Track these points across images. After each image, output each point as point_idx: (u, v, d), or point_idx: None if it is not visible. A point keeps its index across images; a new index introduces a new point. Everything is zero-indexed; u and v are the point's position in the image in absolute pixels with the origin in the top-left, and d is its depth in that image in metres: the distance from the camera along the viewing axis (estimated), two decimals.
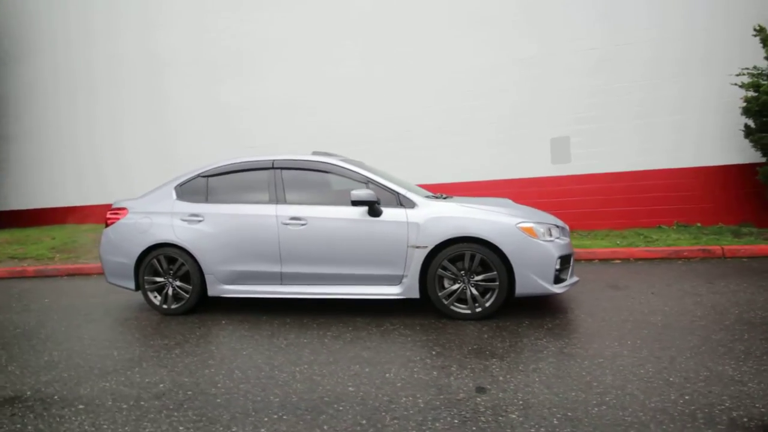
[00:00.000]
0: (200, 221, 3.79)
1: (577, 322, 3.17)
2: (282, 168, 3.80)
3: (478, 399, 2.12)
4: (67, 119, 10.21)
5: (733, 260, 5.04)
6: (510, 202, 3.96)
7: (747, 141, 6.19)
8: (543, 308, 3.52)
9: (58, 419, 2.14)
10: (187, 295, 3.79)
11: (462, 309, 3.31)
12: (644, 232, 6.47)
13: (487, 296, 3.28)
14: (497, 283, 3.23)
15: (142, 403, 2.26)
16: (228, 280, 3.73)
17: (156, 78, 9.45)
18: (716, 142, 6.68)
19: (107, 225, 4.13)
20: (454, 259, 3.30)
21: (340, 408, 2.10)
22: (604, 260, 5.45)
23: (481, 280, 3.27)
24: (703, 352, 2.53)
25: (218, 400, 2.24)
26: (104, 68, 9.82)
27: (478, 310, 3.27)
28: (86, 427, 2.05)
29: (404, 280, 3.39)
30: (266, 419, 2.03)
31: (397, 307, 3.70)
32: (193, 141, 9.14)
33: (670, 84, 6.81)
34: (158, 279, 3.86)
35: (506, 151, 7.51)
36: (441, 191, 4.41)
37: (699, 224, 6.62)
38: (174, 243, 3.79)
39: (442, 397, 2.16)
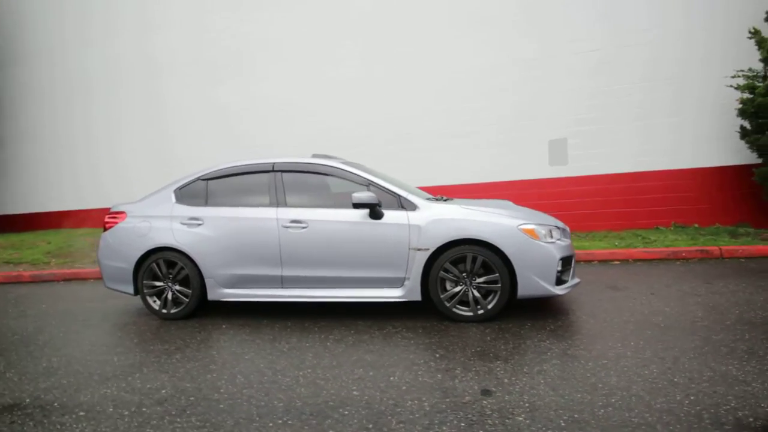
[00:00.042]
0: (200, 225, 3.76)
1: (579, 323, 3.18)
2: (282, 171, 3.79)
3: (484, 402, 2.11)
4: (63, 121, 10.14)
5: (731, 260, 5.07)
6: (511, 204, 3.97)
7: (743, 142, 6.24)
8: (544, 310, 3.52)
9: (58, 427, 2.11)
10: (187, 300, 3.76)
11: (464, 311, 3.31)
12: (642, 233, 6.50)
13: (489, 298, 3.28)
14: (499, 285, 3.23)
15: (144, 409, 2.23)
16: (228, 284, 3.70)
17: (154, 79, 9.41)
18: (713, 143, 6.74)
19: (105, 229, 4.09)
20: (456, 262, 3.30)
21: (346, 412, 2.08)
22: (603, 261, 5.46)
23: (483, 282, 3.27)
24: (706, 353, 2.54)
25: (221, 406, 2.22)
26: (101, 70, 9.77)
27: (480, 312, 3.27)
28: None
29: (406, 283, 3.38)
30: (271, 424, 2.01)
31: (399, 310, 3.69)
32: (191, 143, 9.10)
33: (667, 86, 6.86)
34: (157, 283, 3.83)
35: (506, 153, 7.54)
36: (441, 193, 4.41)
37: (696, 225, 6.67)
38: (173, 247, 3.76)
39: (447, 400, 2.15)
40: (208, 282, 3.72)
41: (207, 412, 2.16)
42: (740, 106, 6.09)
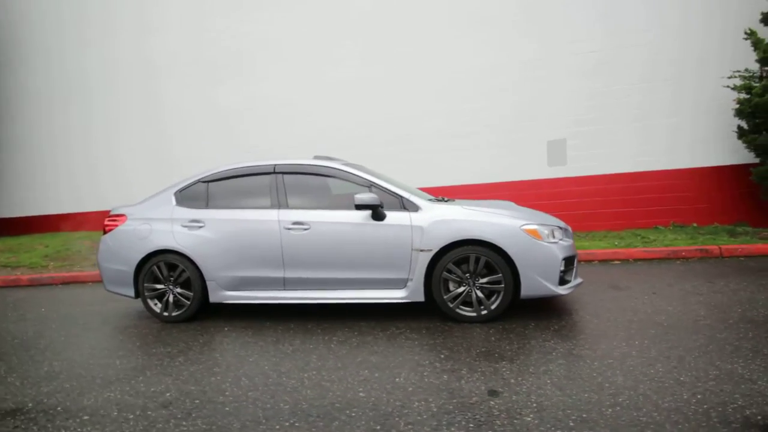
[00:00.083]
0: (201, 227, 3.74)
1: (583, 323, 3.18)
2: (283, 173, 3.78)
3: (492, 402, 2.10)
4: (61, 123, 10.08)
5: (731, 259, 5.09)
6: (513, 204, 3.97)
7: (740, 142, 6.28)
8: (547, 310, 3.53)
9: (63, 431, 2.09)
10: (188, 302, 3.74)
11: (467, 312, 3.30)
12: (641, 233, 6.52)
13: (493, 299, 3.28)
14: (502, 286, 3.23)
15: (149, 412, 2.21)
16: (230, 286, 3.68)
17: (152, 80, 9.38)
18: (710, 143, 6.78)
19: (105, 232, 4.06)
20: (459, 262, 3.30)
21: (353, 414, 2.07)
22: (604, 261, 5.48)
23: (486, 283, 3.27)
24: (711, 351, 2.54)
25: (227, 408, 2.20)
26: (99, 71, 9.72)
27: (484, 312, 3.27)
28: None
29: (409, 284, 3.37)
30: (278, 427, 2.00)
31: (402, 311, 3.68)
32: (190, 144, 9.07)
33: (665, 86, 6.91)
34: (158, 286, 3.80)
35: (506, 154, 7.56)
36: (441, 194, 4.42)
37: (695, 224, 6.70)
38: (174, 249, 3.74)
39: (454, 401, 2.14)
40: (209, 284, 3.70)
41: (213, 415, 2.14)
42: (737, 106, 6.13)
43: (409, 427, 1.93)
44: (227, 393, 2.37)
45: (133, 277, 3.84)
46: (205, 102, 9.02)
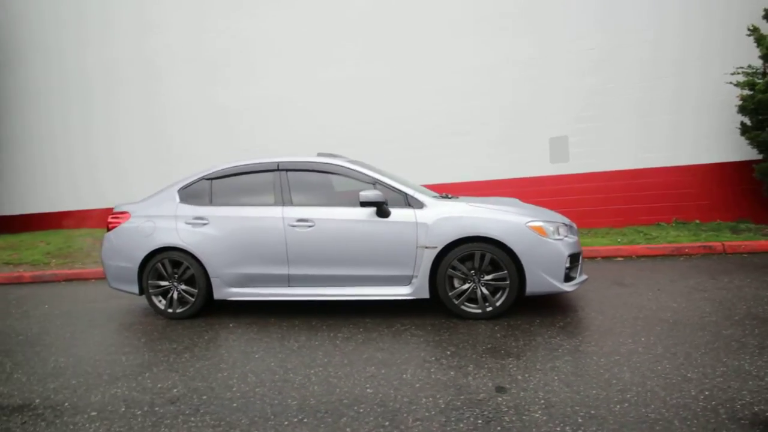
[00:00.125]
0: (205, 224, 3.74)
1: (589, 319, 3.18)
2: (287, 170, 3.77)
3: (500, 399, 2.11)
4: (61, 121, 10.05)
5: (734, 256, 5.10)
6: (518, 201, 3.97)
7: (743, 139, 6.27)
8: (552, 306, 3.53)
9: (71, 427, 2.09)
10: (193, 299, 3.74)
11: (472, 308, 3.30)
12: (644, 230, 6.52)
13: (498, 295, 3.28)
14: (508, 282, 3.23)
15: (157, 408, 2.21)
16: (234, 283, 3.68)
17: (152, 78, 9.34)
18: (713, 140, 6.77)
19: (109, 229, 4.06)
20: (464, 259, 3.30)
21: (361, 410, 2.08)
22: (607, 258, 5.48)
23: (491, 280, 3.27)
24: (717, 348, 2.54)
25: (235, 405, 2.21)
26: (99, 68, 9.67)
27: (489, 309, 3.27)
28: None
29: (414, 281, 3.37)
30: (286, 423, 2.00)
31: (406, 308, 3.68)
32: (190, 142, 9.04)
33: (668, 83, 6.89)
34: (163, 283, 3.80)
35: (506, 152, 7.54)
36: (442, 191, 4.41)
37: (697, 221, 6.70)
38: (179, 246, 3.73)
39: (462, 397, 2.14)
40: (214, 281, 3.70)
41: (221, 411, 2.15)
42: (740, 102, 6.12)
43: (418, 423, 1.94)
44: (234, 389, 2.38)
45: (138, 274, 3.84)
46: (204, 100, 8.99)
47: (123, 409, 2.23)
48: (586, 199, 7.22)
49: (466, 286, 3.30)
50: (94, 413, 2.21)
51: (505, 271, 3.22)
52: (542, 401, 2.06)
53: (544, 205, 4.57)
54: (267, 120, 8.62)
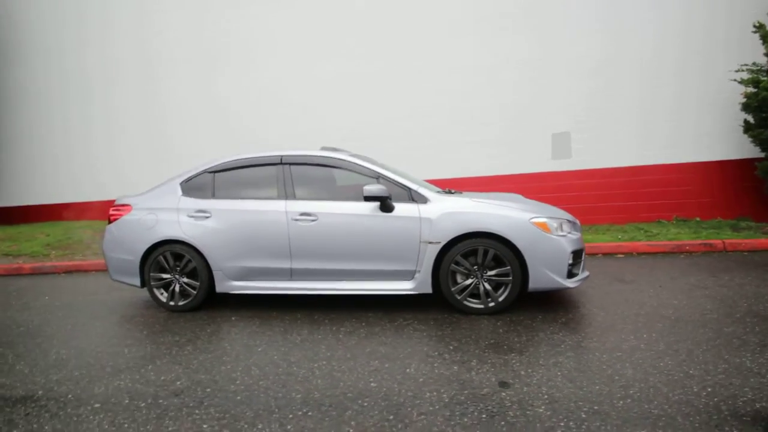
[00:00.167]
0: (207, 217, 3.73)
1: (591, 316, 3.19)
2: (291, 163, 3.75)
3: (503, 393, 2.11)
4: (60, 113, 9.97)
5: (735, 254, 5.11)
6: (521, 197, 3.96)
7: (746, 136, 6.26)
8: (554, 302, 3.54)
9: (75, 419, 2.09)
10: (195, 292, 3.74)
11: (475, 304, 3.31)
12: (644, 227, 6.53)
13: (500, 291, 3.28)
14: (510, 278, 3.23)
15: (161, 401, 2.22)
16: (237, 277, 3.68)
17: (151, 70, 9.26)
18: (715, 137, 6.76)
19: (110, 221, 4.04)
20: (467, 254, 3.30)
21: (365, 404, 2.08)
22: (608, 254, 5.49)
23: (494, 275, 3.27)
24: (719, 345, 2.56)
25: (239, 398, 2.21)
26: (98, 61, 9.59)
27: (491, 304, 3.28)
28: (106, 426, 2.01)
29: (417, 276, 3.37)
30: (291, 416, 2.01)
31: (408, 302, 3.69)
32: (188, 134, 8.99)
33: (669, 81, 6.86)
34: (165, 276, 3.80)
35: (506, 152, 7.51)
36: (443, 186, 4.40)
37: (698, 218, 6.71)
38: (181, 239, 3.73)
39: (466, 392, 2.15)
40: (216, 274, 3.69)
41: (225, 404, 2.15)
42: (744, 100, 6.10)
43: (422, 417, 1.95)
44: (238, 382, 2.38)
45: (139, 267, 3.83)
46: (204, 94, 8.92)
47: (127, 401, 2.23)
48: (587, 195, 7.22)
49: (468, 281, 3.31)
50: (97, 405, 2.21)
51: (508, 267, 3.22)
52: (546, 396, 2.07)
53: (546, 201, 4.57)
54: (267, 113, 8.57)
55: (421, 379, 2.30)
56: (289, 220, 3.55)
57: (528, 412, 1.94)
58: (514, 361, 2.47)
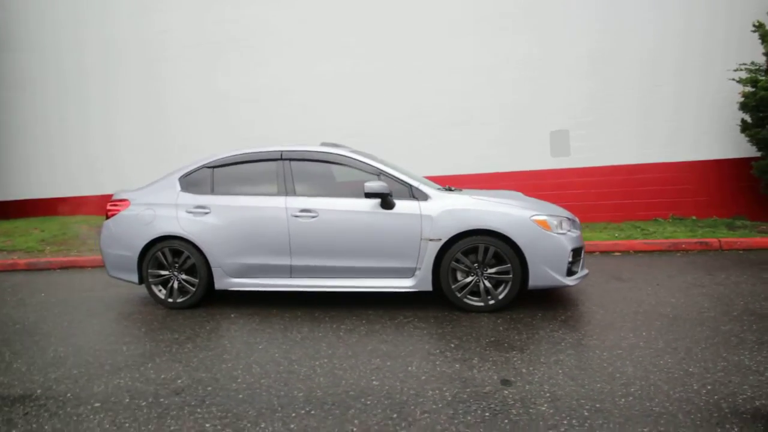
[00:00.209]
0: (207, 213, 3.70)
1: (590, 314, 3.21)
2: (291, 159, 3.73)
3: (506, 391, 2.12)
4: (56, 106, 9.84)
5: (730, 252, 5.15)
6: (521, 195, 3.96)
7: (742, 136, 6.30)
8: (553, 300, 3.55)
9: (75, 418, 2.07)
10: (194, 289, 3.72)
11: (475, 301, 3.32)
12: (641, 225, 6.57)
13: (500, 288, 3.29)
14: (511, 276, 3.24)
15: (162, 399, 2.20)
16: (236, 273, 3.66)
17: (151, 64, 9.14)
18: (712, 136, 6.80)
19: (108, 217, 4.00)
20: (467, 252, 3.30)
21: (368, 402, 2.08)
22: (605, 252, 5.51)
23: (495, 273, 3.28)
24: (717, 343, 2.58)
25: (240, 396, 2.20)
26: (97, 53, 9.45)
27: (491, 302, 3.28)
28: (107, 426, 1.99)
29: (417, 273, 3.37)
30: (293, 414, 2.01)
31: (408, 300, 3.69)
32: (187, 127, 8.90)
33: (669, 80, 6.88)
34: (163, 272, 3.77)
35: (506, 152, 7.51)
36: (443, 183, 4.39)
37: (694, 217, 6.75)
38: (179, 235, 3.70)
39: (468, 390, 2.16)
40: (215, 271, 3.67)
41: (227, 402, 2.14)
42: (742, 99, 6.13)
43: (426, 415, 1.95)
44: (239, 380, 2.37)
45: (137, 263, 3.80)
46: (204, 88, 8.84)
47: (127, 400, 2.22)
48: (585, 193, 7.25)
49: (469, 279, 3.31)
50: (97, 404, 2.19)
51: (509, 265, 3.23)
52: (548, 394, 2.08)
53: (544, 199, 4.58)
54: (268, 115, 8.50)
55: (423, 377, 2.31)
56: (289, 217, 3.53)
57: (531, 410, 1.94)
58: (515, 359, 2.48)
